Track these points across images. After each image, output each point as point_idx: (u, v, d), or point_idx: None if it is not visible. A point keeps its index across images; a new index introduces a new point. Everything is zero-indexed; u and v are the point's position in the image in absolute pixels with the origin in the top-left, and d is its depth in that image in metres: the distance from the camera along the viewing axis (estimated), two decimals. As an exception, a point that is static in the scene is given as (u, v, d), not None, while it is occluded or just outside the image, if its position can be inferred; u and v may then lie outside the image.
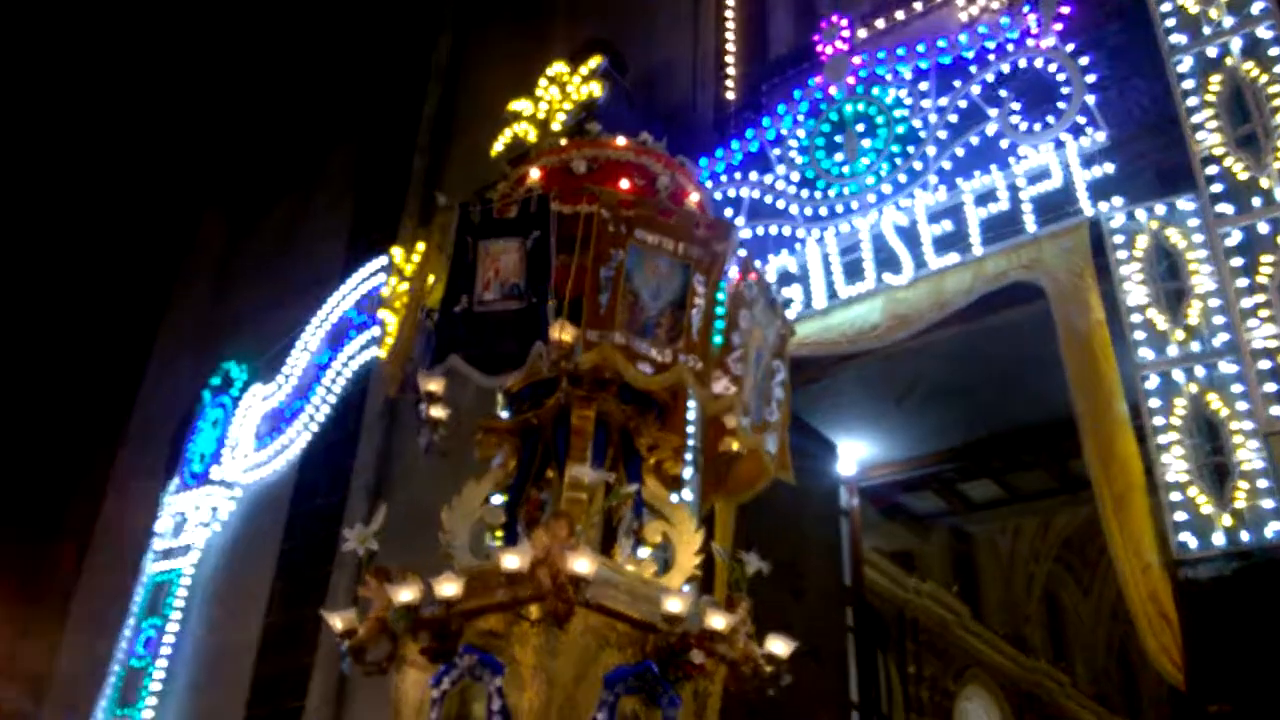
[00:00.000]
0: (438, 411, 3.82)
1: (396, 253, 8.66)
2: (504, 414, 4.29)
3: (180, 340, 12.44)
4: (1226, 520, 5.34)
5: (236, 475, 10.01)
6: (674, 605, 3.49)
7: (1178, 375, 5.75)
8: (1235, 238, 5.79)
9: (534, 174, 4.28)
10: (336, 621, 3.70)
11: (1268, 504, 5.29)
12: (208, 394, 10.64)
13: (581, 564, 3.25)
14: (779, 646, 3.75)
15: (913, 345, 7.28)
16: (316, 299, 10.21)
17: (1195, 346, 5.76)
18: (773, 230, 7.79)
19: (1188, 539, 5.42)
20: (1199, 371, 5.71)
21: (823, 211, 7.61)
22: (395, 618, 3.51)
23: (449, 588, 3.41)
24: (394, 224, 9.90)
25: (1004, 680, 15.82)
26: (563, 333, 3.60)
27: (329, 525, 8.92)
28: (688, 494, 6.12)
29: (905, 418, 8.95)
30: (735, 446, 3.99)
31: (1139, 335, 5.92)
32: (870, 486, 9.91)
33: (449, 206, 3.99)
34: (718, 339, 4.07)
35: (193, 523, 10.05)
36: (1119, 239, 6.22)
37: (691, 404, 5.99)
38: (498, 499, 4.10)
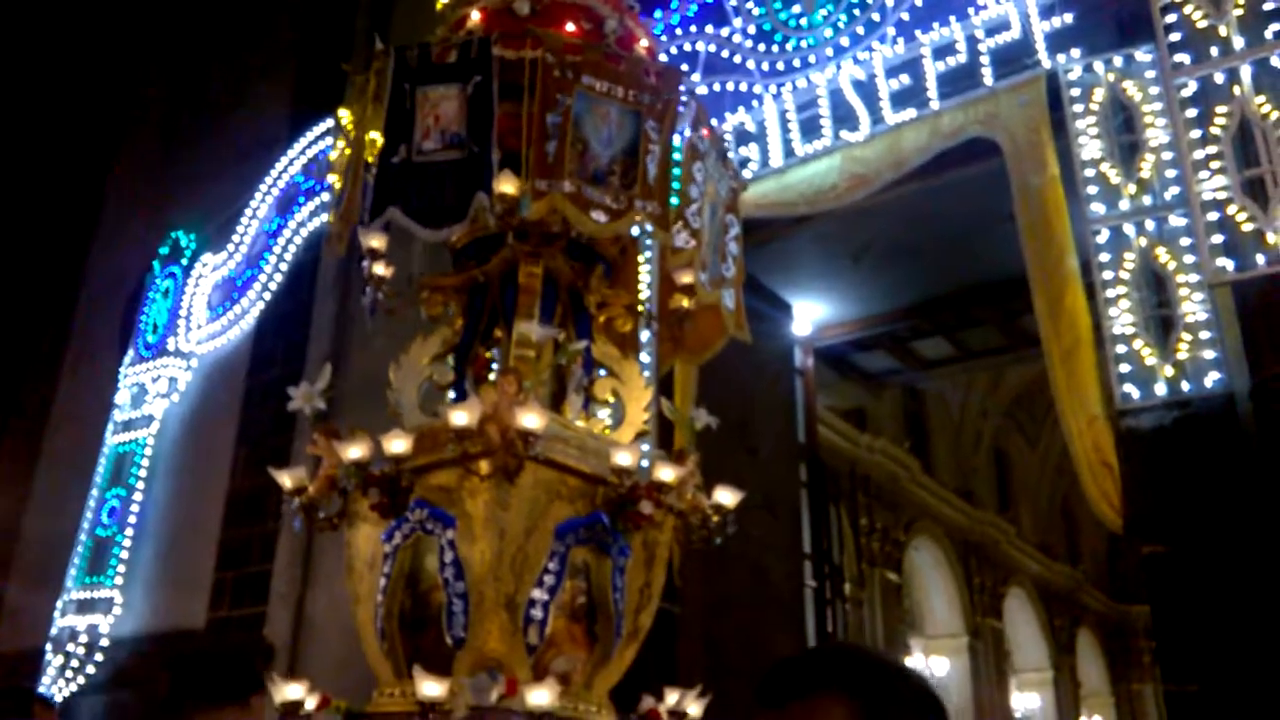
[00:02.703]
0: (380, 269, 3.76)
1: (344, 114, 8.39)
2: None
3: (126, 210, 12.11)
4: (1168, 371, 5.48)
5: (191, 346, 9.90)
6: (623, 458, 3.54)
7: (1128, 229, 5.80)
8: (1190, 88, 5.76)
9: (474, 16, 4.10)
10: (286, 479, 3.72)
11: (1208, 354, 5.41)
12: (157, 264, 10.42)
13: (530, 419, 3.27)
14: (726, 497, 3.83)
15: (868, 205, 7.27)
16: (263, 164, 9.93)
17: (1146, 200, 5.80)
18: (729, 86, 7.63)
19: (1131, 390, 5.56)
20: (1149, 225, 5.76)
21: (780, 66, 7.45)
22: (345, 474, 3.53)
23: (398, 444, 3.43)
24: (340, 84, 9.55)
25: (952, 531, 16.43)
26: (507, 185, 3.51)
27: (287, 395, 8.88)
28: (645, 356, 6.17)
29: (860, 277, 9.01)
30: (687, 303, 3.98)
31: (1092, 190, 5.93)
32: (824, 346, 10.05)
33: (385, 51, 3.82)
34: (674, 190, 4.00)
35: (151, 394, 9.98)
36: (1076, 92, 6.16)
37: (644, 265, 6.00)
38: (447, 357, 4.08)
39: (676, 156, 3.95)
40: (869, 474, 14.23)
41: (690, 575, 6.70)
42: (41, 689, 8.98)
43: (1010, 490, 19.43)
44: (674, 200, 3.98)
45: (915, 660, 15.26)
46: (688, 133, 4.16)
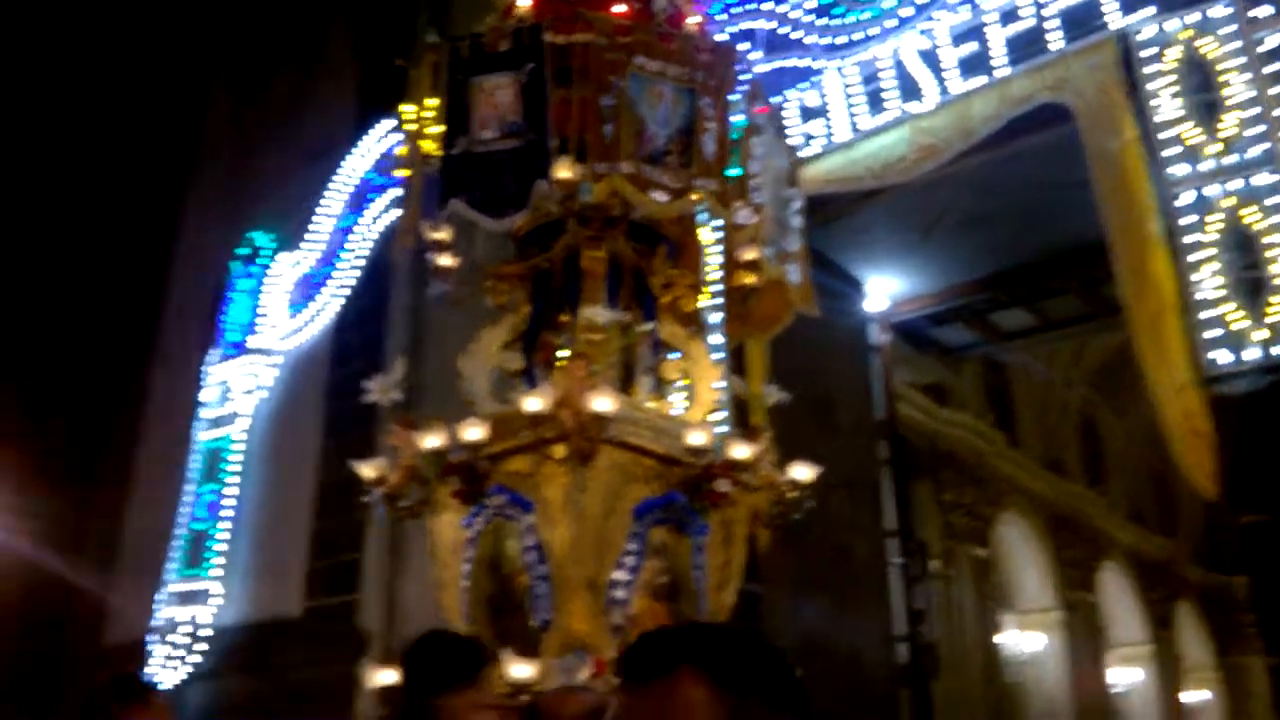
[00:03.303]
0: (446, 260, 3.82)
1: (407, 109, 8.53)
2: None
3: (205, 214, 12.46)
4: (1260, 334, 5.30)
5: (274, 343, 10.17)
6: (696, 438, 3.56)
7: (1212, 190, 5.62)
8: (1273, 41, 5.55)
9: (524, 2, 4.13)
10: (367, 470, 3.82)
11: (1302, 315, 5.23)
12: (238, 265, 10.72)
13: (601, 403, 3.30)
14: (802, 472, 3.84)
15: (939, 176, 7.16)
16: (333, 162, 10.11)
17: (1230, 159, 5.60)
18: (790, 63, 7.56)
19: (1221, 355, 5.39)
20: (1234, 184, 5.57)
21: (841, 40, 7.35)
22: (424, 464, 3.61)
23: (473, 432, 3.50)
24: (403, 80, 9.70)
25: (1040, 504, 16.09)
26: (565, 170, 3.54)
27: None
28: (716, 337, 6.17)
29: (933, 250, 8.88)
30: (751, 280, 3.97)
31: (1171, 151, 5.76)
32: (900, 321, 9.93)
33: (439, 44, 3.87)
34: (733, 166, 3.99)
35: (237, 391, 10.28)
36: (1148, 52, 5.98)
37: (708, 241, 5.99)
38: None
39: (734, 134, 3.93)
40: (952, 449, 13.99)
41: (774, 556, 6.70)
42: (148, 678, 9.36)
43: (1101, 461, 18.93)
44: (733, 175, 3.97)
45: (1008, 636, 15.01)
46: (744, 108, 4.14)
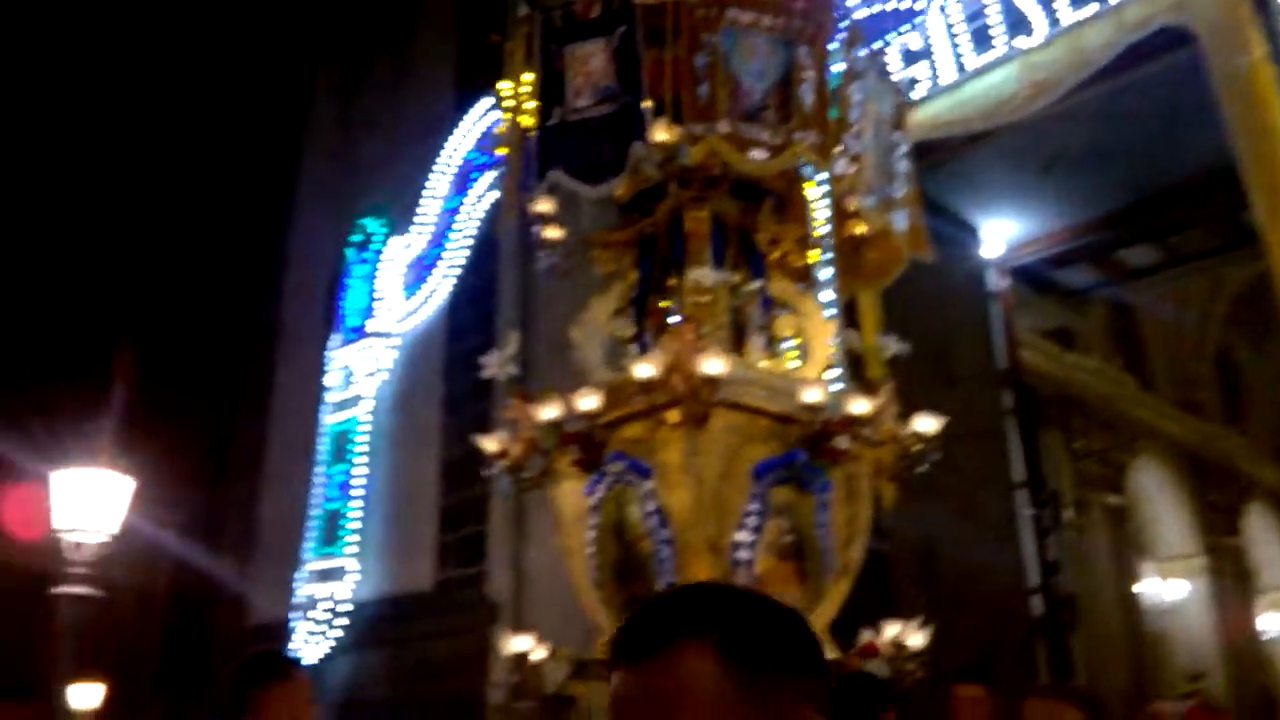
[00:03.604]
0: (552, 232, 3.83)
1: (504, 86, 8.59)
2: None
3: (316, 204, 12.80)
4: None
5: (391, 326, 10.43)
6: (812, 395, 3.50)
7: (1352, 100, 5.25)
8: None
9: (612, -37, 4.06)
10: (489, 444, 3.88)
11: None
12: (351, 252, 11.00)
13: (713, 365, 3.28)
14: (925, 424, 3.74)
15: (1052, 112, 6.85)
16: (436, 144, 10.27)
17: (1375, 71, 5.23)
18: (891, 6, 7.32)
19: (1368, 275, 5.06)
20: (1375, 94, 5.20)
21: (943, -23, 7.09)
22: (543, 435, 3.65)
23: (588, 401, 3.51)
24: (499, 57, 9.77)
25: (1177, 447, 15.45)
26: (662, 133, 3.49)
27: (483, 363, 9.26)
28: (828, 293, 6.05)
29: (1052, 189, 8.54)
30: (860, 230, 3.87)
31: (1308, 66, 5.39)
32: (1019, 265, 9.59)
33: (529, 16, 3.86)
34: (833, 112, 3.88)
35: (359, 374, 10.58)
36: (1278, -41, 5.60)
37: (815, 192, 5.86)
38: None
39: (833, 84, 3.82)
40: (1081, 395, 13.52)
41: (900, 511, 6.60)
42: (289, 653, 9.77)
43: (1240, 399, 18.05)
44: (834, 114, 3.86)
45: (1148, 584, 14.50)
46: (843, 54, 4.02)
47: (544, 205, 3.76)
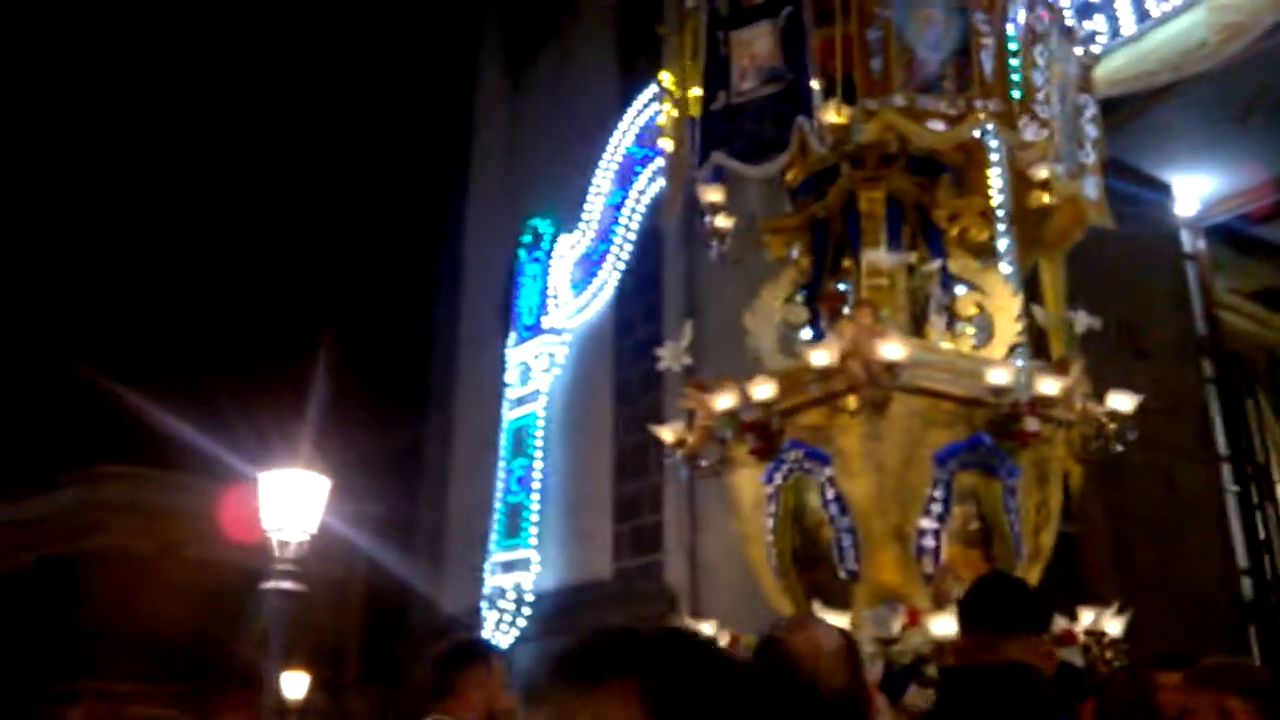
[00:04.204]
0: (722, 221, 3.79)
1: (665, 77, 8.61)
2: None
3: (489, 205, 13.17)
4: None
5: (563, 322, 10.65)
6: (999, 376, 3.36)
7: None
8: None
9: (777, -53, 3.99)
10: (667, 434, 3.89)
11: None
12: (523, 252, 11.29)
13: (892, 349, 3.18)
14: (1121, 402, 3.54)
15: (1245, 56, 6.33)
16: (599, 140, 10.40)
17: None
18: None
19: None
20: None
21: (1120, -82, 6.67)
22: (719, 424, 3.63)
23: (763, 389, 3.48)
24: (659, 49, 9.79)
25: None
26: (834, 113, 3.40)
27: (652, 354, 9.30)
28: (1005, 266, 5.80)
29: (1250, 140, 7.89)
30: (1047, 199, 3.68)
31: None
32: (1217, 224, 8.94)
33: (696, 6, 3.83)
34: (1016, 85, 3.69)
35: (535, 370, 10.87)
36: None
37: (993, 165, 5.62)
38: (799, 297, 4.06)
39: (1013, 45, 3.63)
40: (1290, 359, 12.52)
41: (1090, 492, 6.27)
42: (486, 640, 10.12)
43: None
44: (1016, 93, 3.68)
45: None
46: (1022, 16, 3.82)
47: (712, 194, 3.73)
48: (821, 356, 3.26)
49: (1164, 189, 8.42)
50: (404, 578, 13.15)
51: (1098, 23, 6.70)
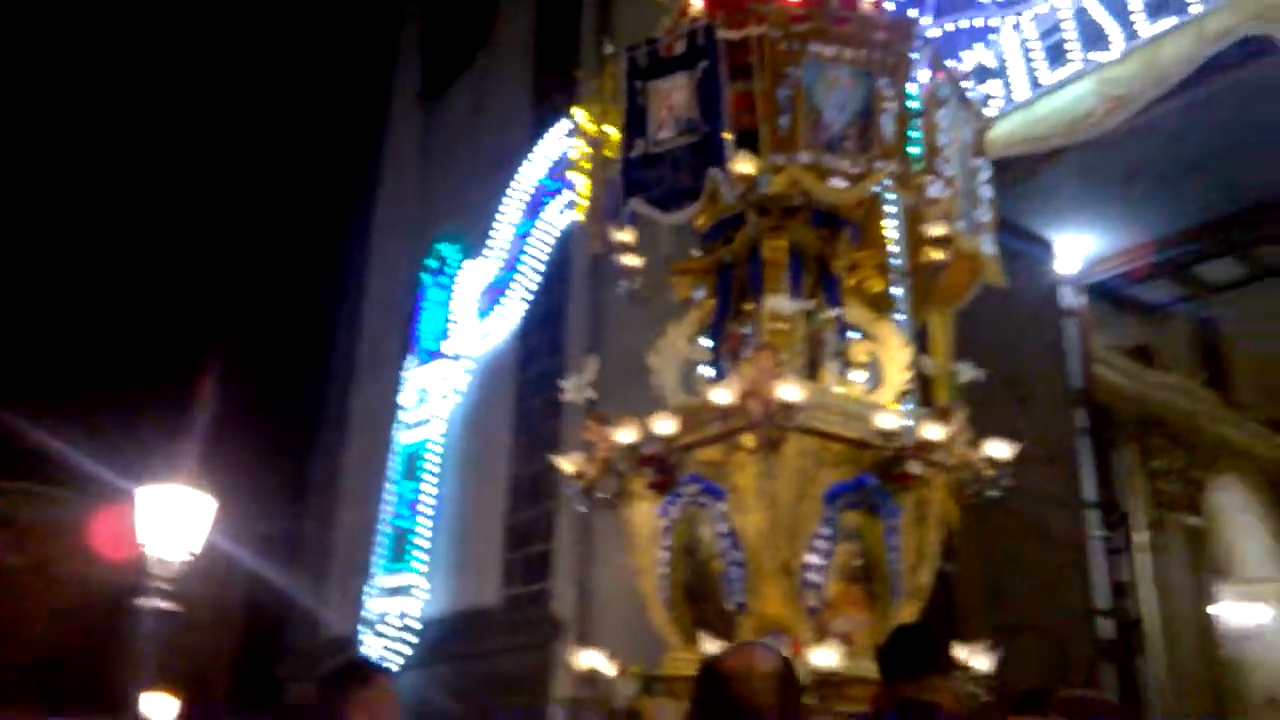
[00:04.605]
0: (631, 260, 3.90)
1: (578, 114, 8.73)
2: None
3: (395, 227, 13.11)
4: None
5: (465, 348, 10.63)
6: (886, 421, 3.53)
7: None
8: None
9: (697, 1, 4.15)
10: (567, 465, 3.95)
11: None
12: (427, 276, 11.24)
13: (789, 391, 3.31)
14: (999, 450, 3.74)
15: (1130, 126, 6.75)
16: (510, 171, 10.46)
17: None
18: (964, 24, 7.29)
19: None
20: None
21: (1017, -7, 7.05)
22: (619, 457, 3.71)
23: (665, 425, 3.57)
24: (573, 85, 9.94)
25: (1263, 466, 14.98)
26: (744, 164, 3.55)
27: (553, 384, 9.31)
28: (898, 317, 6.04)
29: (1129, 205, 8.39)
30: (941, 255, 3.88)
31: (1395, 73, 5.26)
32: (1096, 282, 9.44)
33: (615, 55, 3.95)
34: (913, 144, 3.89)
35: (434, 395, 10.79)
36: (1368, -34, 5.48)
37: (889, 220, 5.86)
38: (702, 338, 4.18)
39: (914, 106, 3.84)
40: (1159, 413, 13.19)
41: (967, 533, 6.54)
42: (376, 661, 9.96)
43: (1330, 417, 17.47)
44: (915, 152, 3.88)
45: (1227, 608, 14.07)
46: (925, 79, 4.03)
47: (625, 235, 3.84)
48: (723, 395, 3.38)
49: (1047, 247, 8.86)
50: (285, 599, 12.85)
51: (993, 88, 7.06)
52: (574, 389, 4.05)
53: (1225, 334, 15.40)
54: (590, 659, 3.66)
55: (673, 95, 3.77)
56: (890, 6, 5.30)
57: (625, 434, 3.66)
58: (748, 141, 3.72)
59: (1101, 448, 8.85)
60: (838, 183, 3.66)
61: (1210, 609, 13.19)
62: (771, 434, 3.33)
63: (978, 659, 3.70)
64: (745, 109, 3.78)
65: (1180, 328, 14.03)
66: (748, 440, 3.47)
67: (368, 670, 2.67)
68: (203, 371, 9.63)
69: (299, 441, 13.44)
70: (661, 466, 3.59)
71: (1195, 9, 6.20)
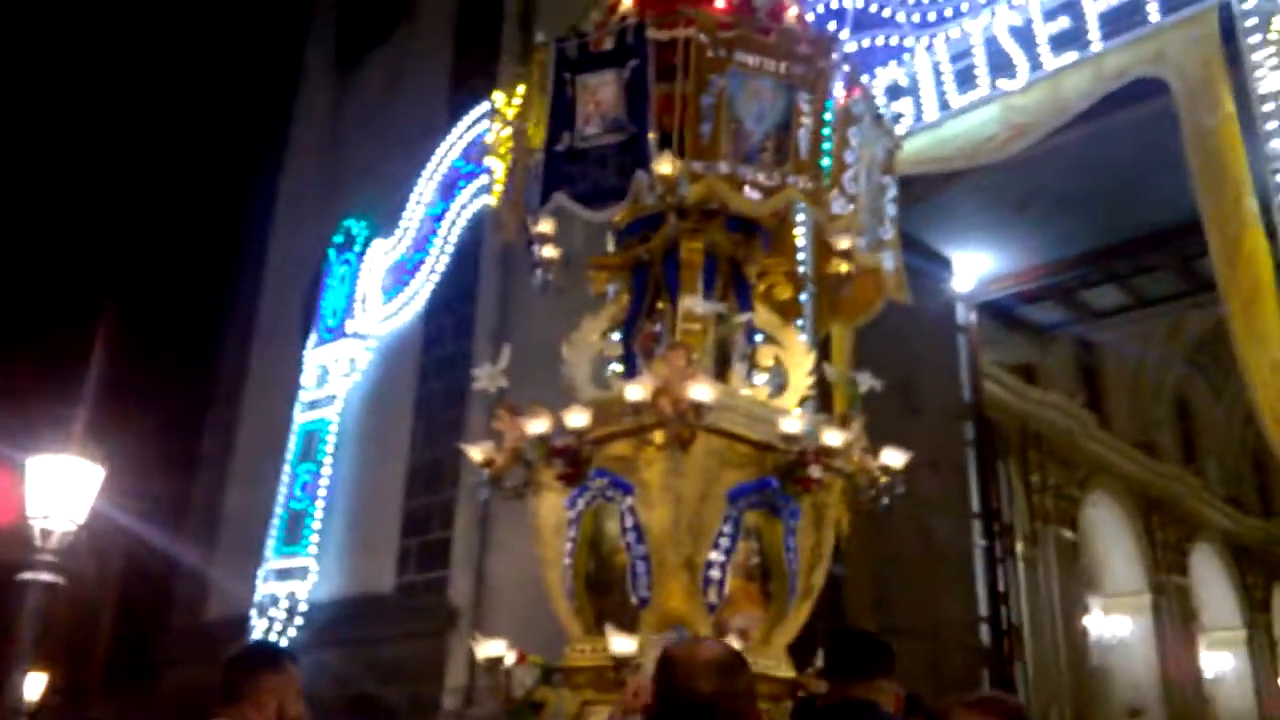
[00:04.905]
0: (549, 252, 3.94)
1: (498, 98, 8.71)
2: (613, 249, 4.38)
3: (301, 198, 12.82)
4: (1361, 313, 5.18)
5: (369, 328, 10.47)
6: (791, 425, 3.64)
7: (1312, 167, 5.48)
8: (1383, 10, 5.38)
9: (627, -1, 4.21)
10: (475, 453, 3.98)
11: None
12: (332, 252, 11.04)
13: (701, 391, 3.40)
14: (893, 458, 3.89)
15: (1030, 153, 7.05)
16: (425, 150, 10.35)
17: (1333, 135, 5.46)
18: (879, 41, 7.51)
19: (1319, 337, 5.28)
20: (1336, 162, 5.43)
21: (931, 16, 7.28)
22: (529, 448, 3.75)
23: (578, 418, 3.63)
24: (494, 67, 9.89)
25: (1131, 485, 15.78)
26: (666, 166, 3.63)
27: (459, 369, 9.34)
28: (801, 322, 6.21)
29: (1025, 228, 8.77)
30: (845, 268, 4.02)
31: (1271, 126, 5.62)
32: (988, 300, 9.82)
33: (544, 44, 3.98)
34: (826, 159, 4.02)
35: (334, 374, 10.60)
36: (1252, 22, 5.83)
37: (800, 229, 6.02)
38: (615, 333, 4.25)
39: (827, 129, 3.96)
40: (1040, 430, 13.80)
41: (856, 537, 6.75)
42: (283, 646, 9.78)
43: (1195, 441, 18.46)
44: (826, 165, 4.00)
45: (1095, 619, 14.77)
46: (840, 96, 4.16)
47: (545, 226, 3.88)
48: (636, 391, 3.45)
49: (945, 264, 9.18)
50: (167, 577, 12.48)
51: (905, 106, 7.29)
52: (487, 377, 4.07)
53: (1104, 358, 16.19)
54: (492, 648, 3.70)
55: (601, 91, 3.82)
56: (811, 18, 5.45)
57: (537, 424, 3.71)
58: (669, 142, 3.80)
59: (987, 460, 9.20)
60: (753, 194, 3.77)
61: (1080, 620, 13.86)
62: (682, 432, 3.42)
63: (865, 659, 3.84)
64: (667, 110, 3.86)
65: (1064, 349, 14.70)
66: (657, 437, 3.56)
67: (276, 653, 2.67)
68: (93, 335, 9.29)
69: (189, 414, 13.05)
70: (572, 459, 3.65)
71: (1095, 47, 6.51)
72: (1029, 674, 11.23)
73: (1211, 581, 17.74)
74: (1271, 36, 5.75)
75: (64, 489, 6.43)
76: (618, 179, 3.70)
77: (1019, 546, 12.29)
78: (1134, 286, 10.81)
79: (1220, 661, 17.42)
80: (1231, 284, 5.69)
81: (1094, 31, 6.52)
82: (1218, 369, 18.20)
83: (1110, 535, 15.69)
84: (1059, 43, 6.70)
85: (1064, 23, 6.68)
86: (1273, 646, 18.53)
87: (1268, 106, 5.65)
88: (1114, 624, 15.19)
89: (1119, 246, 9.13)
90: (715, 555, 3.64)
